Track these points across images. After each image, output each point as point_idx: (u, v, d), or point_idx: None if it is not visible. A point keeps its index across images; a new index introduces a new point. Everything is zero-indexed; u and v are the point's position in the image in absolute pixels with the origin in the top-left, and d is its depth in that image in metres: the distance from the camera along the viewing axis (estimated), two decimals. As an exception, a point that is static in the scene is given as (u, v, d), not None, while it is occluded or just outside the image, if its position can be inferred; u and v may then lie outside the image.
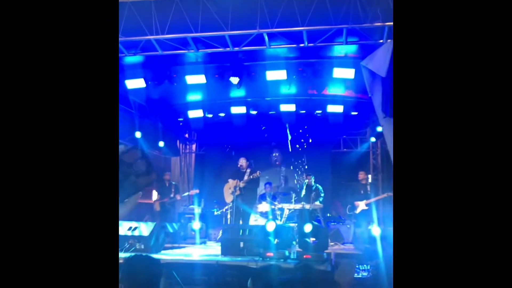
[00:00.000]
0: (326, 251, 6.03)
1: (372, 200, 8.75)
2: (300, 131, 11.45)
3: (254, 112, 10.56)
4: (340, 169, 11.42)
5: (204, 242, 8.87)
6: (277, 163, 11.78)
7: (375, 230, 6.88)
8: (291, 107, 10.20)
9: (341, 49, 7.90)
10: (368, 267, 3.36)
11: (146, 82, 8.60)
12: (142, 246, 6.32)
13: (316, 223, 7.42)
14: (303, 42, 7.11)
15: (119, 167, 1.70)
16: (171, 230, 7.95)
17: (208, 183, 11.66)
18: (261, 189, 9.69)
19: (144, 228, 6.45)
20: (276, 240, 6.03)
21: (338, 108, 10.11)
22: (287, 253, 5.78)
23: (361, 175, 9.16)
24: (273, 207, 8.88)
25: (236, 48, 7.30)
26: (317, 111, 10.46)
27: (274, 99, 10.20)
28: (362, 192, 8.95)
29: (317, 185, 9.41)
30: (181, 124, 11.58)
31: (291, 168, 11.42)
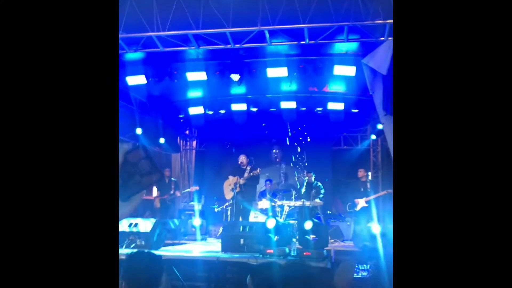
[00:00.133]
0: (326, 248, 6.04)
1: (372, 197, 8.76)
2: (299, 129, 11.45)
3: (254, 109, 10.56)
4: (340, 166, 11.43)
5: (205, 239, 8.91)
6: (277, 160, 11.78)
7: (375, 228, 6.90)
8: (292, 104, 10.20)
9: (342, 47, 7.87)
10: (368, 267, 3.36)
11: (147, 79, 8.59)
12: (143, 242, 6.34)
13: (316, 220, 7.42)
14: (304, 39, 7.09)
15: (124, 166, 1.70)
16: (172, 227, 7.97)
17: (208, 179, 11.68)
18: (261, 186, 9.71)
19: (145, 225, 6.47)
20: (276, 237, 6.05)
21: (338, 106, 10.12)
22: (287, 250, 5.80)
23: (360, 173, 9.16)
24: (273, 204, 8.89)
25: (237, 45, 7.29)
26: (318, 109, 10.47)
27: (274, 96, 10.19)
28: (362, 189, 8.95)
29: (318, 182, 9.42)
30: (181, 120, 11.60)
31: (291, 165, 11.43)
